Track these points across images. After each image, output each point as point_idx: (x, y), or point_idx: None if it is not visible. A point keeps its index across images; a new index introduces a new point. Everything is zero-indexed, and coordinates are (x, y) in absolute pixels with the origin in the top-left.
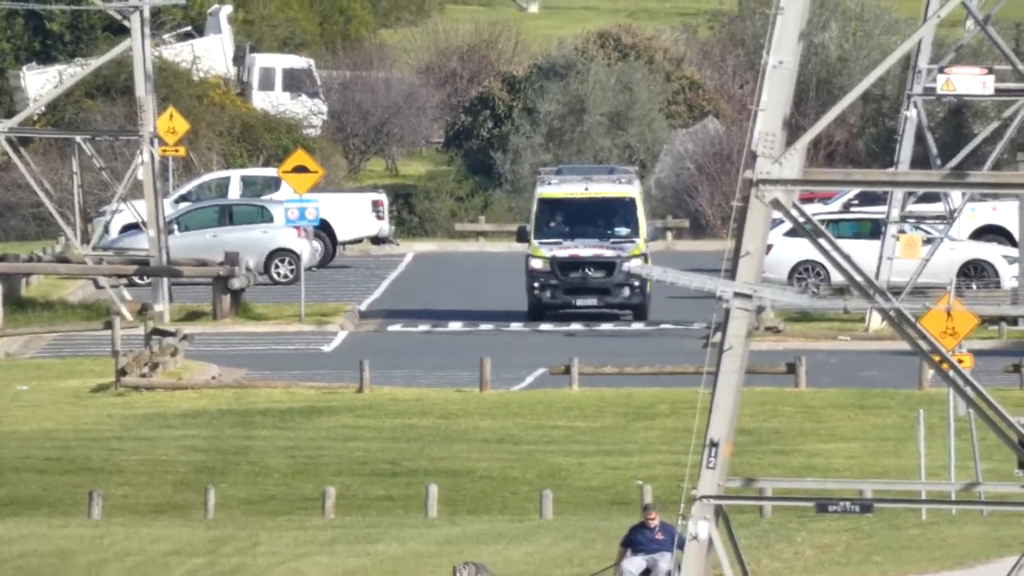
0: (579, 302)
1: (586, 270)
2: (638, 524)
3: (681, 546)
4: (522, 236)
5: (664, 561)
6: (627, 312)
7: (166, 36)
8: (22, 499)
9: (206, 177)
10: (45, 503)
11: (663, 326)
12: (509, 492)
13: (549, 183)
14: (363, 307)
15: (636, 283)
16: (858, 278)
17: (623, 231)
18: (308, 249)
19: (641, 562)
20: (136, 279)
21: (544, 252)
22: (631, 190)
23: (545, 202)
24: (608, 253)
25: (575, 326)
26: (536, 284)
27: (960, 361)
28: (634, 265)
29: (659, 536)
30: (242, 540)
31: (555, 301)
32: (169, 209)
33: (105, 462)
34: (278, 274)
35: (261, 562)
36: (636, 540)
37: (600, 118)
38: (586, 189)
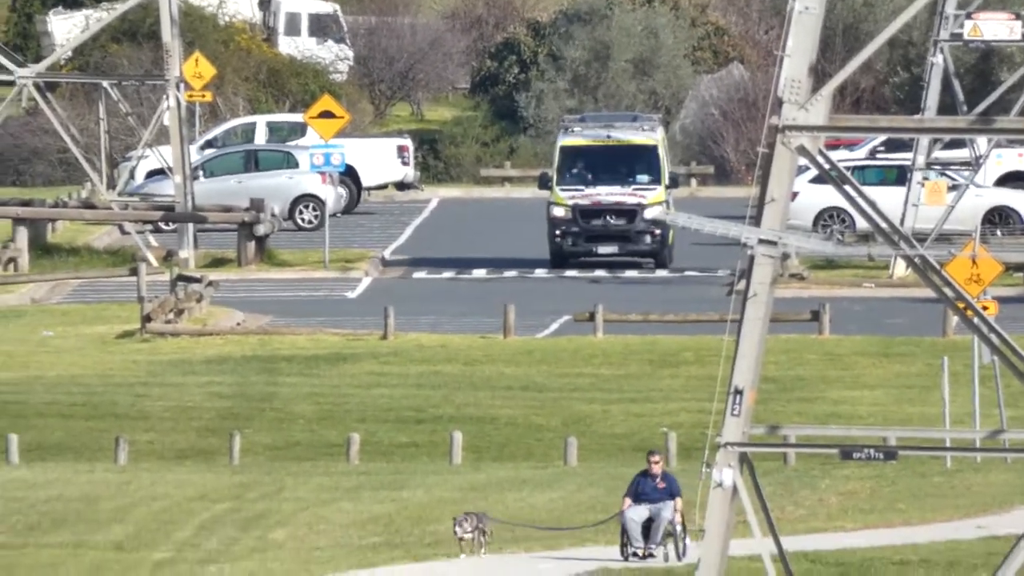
0: (600, 249)
1: (607, 217)
2: (641, 472)
3: (679, 495)
4: (544, 183)
5: (667, 510)
6: (648, 260)
7: None
8: (48, 444)
9: (232, 123)
10: (71, 448)
11: (687, 273)
12: (534, 439)
13: (571, 131)
14: (388, 253)
15: (657, 230)
16: (883, 225)
17: (645, 178)
18: (333, 195)
19: (644, 511)
20: (161, 225)
21: (565, 199)
22: (653, 137)
23: (567, 150)
24: (629, 200)
25: (599, 273)
26: (557, 232)
27: (985, 308)
28: (658, 211)
29: (661, 485)
30: (267, 486)
31: (576, 249)
32: (195, 155)
33: (131, 408)
34: (303, 220)
35: (286, 507)
36: (639, 490)
37: (625, 64)
38: (608, 136)
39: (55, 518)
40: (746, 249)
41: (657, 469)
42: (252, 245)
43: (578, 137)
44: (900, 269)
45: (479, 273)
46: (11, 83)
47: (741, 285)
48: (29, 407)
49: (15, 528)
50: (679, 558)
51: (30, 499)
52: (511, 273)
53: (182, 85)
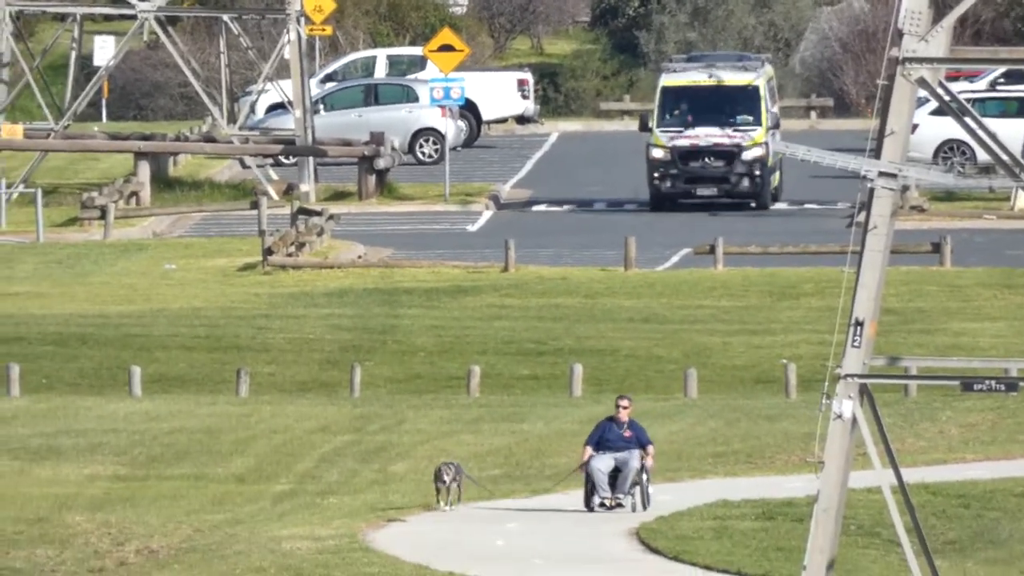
0: (699, 191)
1: (706, 159)
2: (606, 419)
3: (644, 446)
4: (644, 125)
5: (634, 459)
6: (748, 201)
7: None
8: (170, 376)
9: (352, 56)
10: (193, 381)
11: (807, 206)
12: (654, 371)
13: (673, 71)
14: (508, 187)
15: (757, 172)
16: (1004, 157)
17: (745, 119)
18: (453, 128)
19: (610, 460)
20: (282, 159)
21: (664, 141)
22: (755, 78)
23: (668, 91)
24: (727, 142)
25: None
26: (656, 174)
27: None
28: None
29: (627, 433)
30: (387, 418)
31: (675, 191)
32: (315, 89)
33: (252, 340)
34: (423, 154)
35: (406, 440)
36: (605, 438)
37: None
38: (709, 77)
39: (177, 450)
40: (866, 182)
41: (624, 416)
42: (372, 179)
43: (679, 77)
44: (1021, 201)
45: (599, 206)
46: (133, 17)
47: (861, 217)
48: (152, 340)
49: (137, 460)
50: (644, 507)
51: (152, 431)
52: (631, 206)
53: (303, 19)
